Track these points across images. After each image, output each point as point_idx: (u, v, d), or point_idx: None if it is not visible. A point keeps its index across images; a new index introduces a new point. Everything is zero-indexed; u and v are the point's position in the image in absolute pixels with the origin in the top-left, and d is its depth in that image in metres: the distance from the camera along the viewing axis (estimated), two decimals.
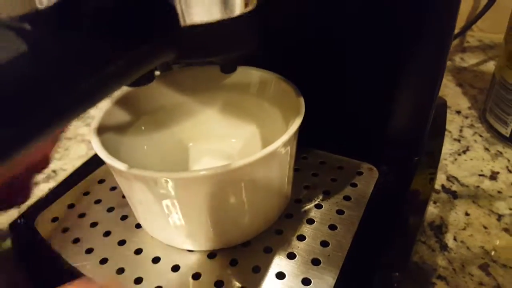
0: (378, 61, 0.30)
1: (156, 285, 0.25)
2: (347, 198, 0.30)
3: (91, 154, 0.48)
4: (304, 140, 0.29)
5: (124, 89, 0.30)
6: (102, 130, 0.27)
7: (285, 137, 0.24)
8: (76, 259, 0.28)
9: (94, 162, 0.36)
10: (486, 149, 0.45)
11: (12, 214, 0.40)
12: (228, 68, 0.30)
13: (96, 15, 0.18)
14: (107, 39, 0.17)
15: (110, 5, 0.18)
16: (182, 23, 0.19)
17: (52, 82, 0.15)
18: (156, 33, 0.19)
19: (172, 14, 0.19)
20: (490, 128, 0.47)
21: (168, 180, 0.23)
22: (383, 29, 0.29)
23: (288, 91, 0.29)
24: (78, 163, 0.47)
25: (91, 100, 0.17)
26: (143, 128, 0.32)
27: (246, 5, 0.21)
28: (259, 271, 0.26)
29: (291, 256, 0.27)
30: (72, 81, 0.16)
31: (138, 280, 0.26)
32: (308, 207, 0.30)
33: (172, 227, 0.26)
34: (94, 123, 0.27)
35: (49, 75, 0.15)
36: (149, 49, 0.20)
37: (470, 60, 0.62)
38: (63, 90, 0.15)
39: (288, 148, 0.26)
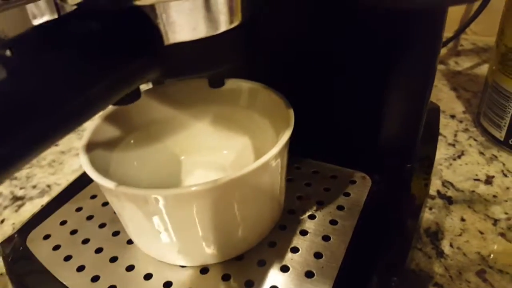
0: (367, 68, 0.30)
1: None
2: (340, 207, 0.30)
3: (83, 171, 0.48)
4: (296, 150, 0.29)
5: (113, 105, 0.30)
6: (91, 147, 0.27)
7: (275, 149, 0.24)
8: (67, 277, 0.27)
9: (87, 177, 0.36)
10: (481, 153, 0.45)
11: (6, 231, 0.40)
12: (216, 83, 0.29)
13: (80, 36, 0.18)
14: (91, 59, 0.17)
15: (94, 27, 0.18)
16: (165, 42, 0.19)
17: (36, 104, 0.15)
18: (141, 53, 0.19)
19: (155, 33, 0.19)
20: (485, 132, 0.46)
21: (158, 197, 0.22)
22: (371, 37, 0.29)
23: (278, 102, 0.29)
24: (72, 177, 0.47)
25: (77, 120, 0.17)
26: (133, 143, 0.31)
27: (231, 21, 0.21)
28: (252, 285, 0.25)
29: (284, 269, 0.26)
30: (56, 102, 0.16)
31: None
32: (302, 218, 0.30)
33: (163, 244, 0.26)
34: (83, 140, 0.27)
35: (32, 98, 0.15)
36: (134, 68, 0.20)
37: (464, 63, 0.62)
38: (47, 112, 0.15)
39: (279, 160, 0.26)
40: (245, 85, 0.32)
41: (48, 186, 0.46)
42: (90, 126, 0.28)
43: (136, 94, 0.22)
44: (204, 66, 0.22)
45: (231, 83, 0.32)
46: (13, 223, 0.41)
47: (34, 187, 0.46)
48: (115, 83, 0.19)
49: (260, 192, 0.26)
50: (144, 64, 0.20)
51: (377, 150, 0.33)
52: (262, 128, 0.32)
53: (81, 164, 0.25)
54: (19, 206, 0.44)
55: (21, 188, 0.46)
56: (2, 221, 0.42)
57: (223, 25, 0.21)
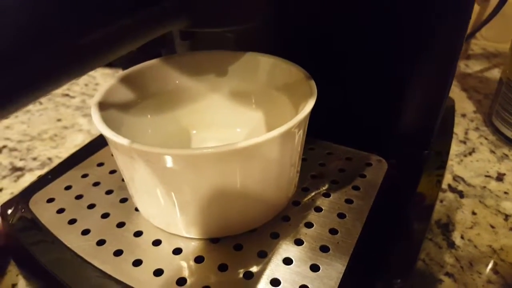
0: (393, 52, 0.30)
1: (156, 268, 0.24)
2: (355, 188, 0.29)
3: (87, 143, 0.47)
4: (312, 132, 0.28)
5: (129, 68, 0.29)
6: (103, 106, 0.26)
7: (300, 116, 0.23)
8: (71, 240, 0.26)
9: (91, 148, 0.35)
10: (492, 152, 0.44)
11: (4, 200, 0.39)
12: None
13: None
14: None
15: None
16: None
17: (67, 27, 0.14)
18: None
19: None
20: (496, 131, 0.46)
21: (174, 156, 0.21)
22: (398, 22, 0.28)
23: (298, 76, 0.28)
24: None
25: (103, 53, 0.16)
26: (146, 109, 0.30)
27: None
28: (265, 256, 0.25)
29: (298, 242, 0.25)
30: (85, 29, 0.15)
31: (137, 263, 0.25)
32: (316, 195, 0.29)
33: (174, 214, 0.25)
34: (96, 98, 0.26)
35: (64, 19, 0.14)
36: (161, 11, 0.19)
37: (474, 66, 0.62)
38: (77, 36, 0.14)
39: (301, 129, 0.25)
40: (264, 59, 0.31)
41: (49, 158, 0.45)
42: (103, 85, 0.27)
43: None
44: (230, 20, 0.22)
45: (250, 57, 0.31)
46: (12, 193, 0.40)
47: (34, 159, 0.45)
48: (142, 23, 0.18)
49: (279, 162, 0.25)
50: (172, 9, 0.19)
51: (395, 135, 0.32)
52: (279, 106, 0.31)
53: (93, 120, 0.24)
54: (18, 177, 0.42)
55: (21, 159, 0.45)
56: (0, 189, 0.40)
57: None
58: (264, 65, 0.31)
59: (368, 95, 0.32)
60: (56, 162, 0.44)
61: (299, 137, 0.25)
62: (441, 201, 0.38)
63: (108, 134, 0.22)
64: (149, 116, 0.31)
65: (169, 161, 0.21)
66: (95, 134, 0.48)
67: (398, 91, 0.31)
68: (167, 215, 0.25)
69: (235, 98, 0.33)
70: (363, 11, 0.29)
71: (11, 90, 0.14)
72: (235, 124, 0.34)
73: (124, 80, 0.29)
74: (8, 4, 0.13)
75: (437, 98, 0.31)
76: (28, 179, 0.42)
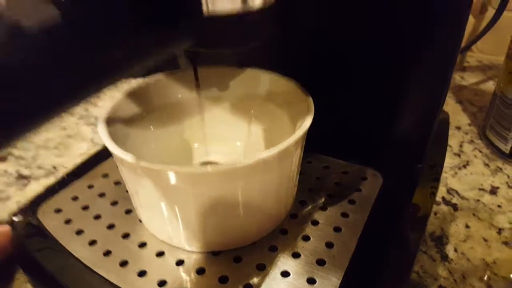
0: (385, 69, 0.31)
1: (160, 279, 0.25)
2: (351, 201, 0.31)
3: (92, 152, 0.48)
4: (309, 145, 0.29)
5: (134, 83, 0.31)
6: (110, 121, 0.27)
7: (298, 134, 0.24)
8: (79, 250, 0.27)
9: (96, 159, 0.36)
10: (486, 165, 0.45)
11: (11, 208, 0.40)
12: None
13: None
14: (136, 16, 0.18)
15: None
16: (204, 12, 0.20)
17: (84, 49, 0.15)
18: (180, 19, 0.20)
19: (196, 3, 0.20)
20: (490, 145, 0.47)
21: (178, 174, 0.22)
22: (391, 38, 0.29)
23: (297, 93, 0.29)
24: (78, 160, 0.47)
25: (115, 72, 0.18)
26: (150, 123, 0.32)
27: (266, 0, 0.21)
28: (264, 268, 0.26)
29: (296, 255, 0.26)
30: (99, 50, 0.16)
31: (142, 273, 0.26)
32: (313, 209, 0.30)
33: (175, 227, 0.26)
34: (103, 113, 0.27)
35: (81, 42, 0.15)
36: (172, 34, 0.20)
37: (470, 79, 0.63)
38: (93, 57, 0.16)
39: (299, 147, 0.26)
40: (264, 75, 0.32)
41: (54, 167, 0.46)
42: (109, 101, 0.29)
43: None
44: (235, 41, 0.23)
45: (251, 72, 0.32)
46: (18, 201, 0.41)
47: (39, 167, 0.46)
48: (153, 44, 0.19)
49: (278, 178, 0.26)
50: (181, 31, 0.20)
51: (389, 148, 0.34)
52: (278, 120, 0.32)
53: (101, 136, 0.25)
54: (25, 185, 0.43)
55: (26, 168, 0.46)
56: (7, 198, 0.41)
57: (259, 3, 0.22)
58: (264, 81, 0.32)
59: (363, 109, 0.33)
60: (61, 170, 0.46)
61: (297, 153, 0.27)
62: (435, 214, 0.39)
63: (116, 151, 0.23)
64: (153, 129, 0.32)
65: (173, 179, 0.23)
66: (98, 142, 0.49)
67: (393, 105, 0.32)
68: (170, 229, 0.26)
69: (236, 112, 0.34)
70: (359, 27, 0.30)
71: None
72: (236, 138, 0.35)
73: (130, 95, 0.30)
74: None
75: (431, 112, 0.32)
76: (34, 187, 0.43)
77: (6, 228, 0.31)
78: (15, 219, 0.30)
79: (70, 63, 0.15)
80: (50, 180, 0.44)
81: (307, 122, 0.26)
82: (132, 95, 0.30)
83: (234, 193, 0.24)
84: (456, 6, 0.26)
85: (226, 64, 0.32)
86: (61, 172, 0.45)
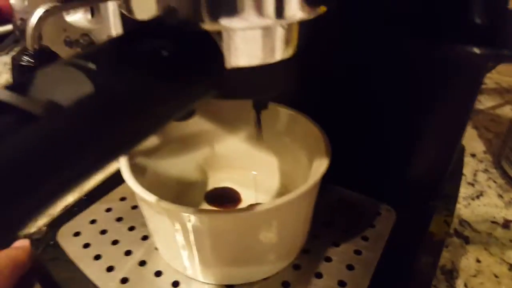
0: (404, 106, 0.31)
1: None
2: (364, 238, 0.31)
3: (109, 168, 0.49)
4: (324, 176, 0.29)
5: None
6: (131, 155, 0.28)
7: (315, 177, 0.25)
8: (97, 276, 0.28)
9: (114, 181, 0.37)
10: (500, 196, 0.45)
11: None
12: (260, 106, 0.30)
13: (151, 54, 0.19)
14: (161, 79, 0.18)
15: (164, 45, 0.19)
16: (227, 65, 0.20)
17: (116, 119, 0.16)
18: (204, 74, 0.20)
19: (218, 57, 0.20)
20: (505, 175, 0.47)
21: (198, 216, 0.23)
22: (411, 75, 0.29)
23: (315, 133, 0.30)
24: (96, 175, 0.48)
25: (145, 135, 0.18)
26: (168, 153, 0.32)
27: (286, 52, 0.22)
28: None
29: None
30: (132, 119, 0.17)
31: None
32: (326, 244, 0.30)
33: (190, 260, 0.27)
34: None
35: (113, 111, 0.16)
36: (196, 89, 0.21)
37: (486, 102, 0.63)
38: (123, 125, 0.16)
39: (313, 192, 0.27)
40: (284, 111, 0.32)
41: None
42: None
43: (191, 113, 0.23)
44: (258, 91, 0.23)
45: (271, 108, 0.32)
46: None
47: None
48: (179, 102, 0.20)
49: (295, 218, 0.27)
50: (205, 86, 0.21)
51: (404, 185, 0.34)
52: (294, 155, 0.32)
53: (121, 170, 0.26)
54: None
55: None
56: None
57: (280, 54, 0.22)
58: (282, 117, 0.32)
59: (381, 144, 0.34)
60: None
61: (313, 195, 0.27)
62: (447, 246, 0.39)
63: (139, 190, 0.24)
64: (170, 159, 0.32)
65: (192, 220, 0.23)
66: None
67: (410, 143, 0.32)
68: (185, 261, 0.27)
69: (252, 144, 0.35)
70: (379, 65, 0.30)
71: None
72: (251, 167, 0.35)
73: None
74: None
75: (447, 152, 0.32)
76: None
77: (26, 243, 0.32)
78: (35, 239, 0.31)
79: (109, 129, 0.15)
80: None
81: (324, 166, 0.26)
82: None
83: (251, 233, 0.25)
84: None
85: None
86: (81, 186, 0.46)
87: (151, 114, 0.18)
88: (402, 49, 0.28)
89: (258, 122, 0.29)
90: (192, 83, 0.20)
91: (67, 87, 0.15)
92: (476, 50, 0.21)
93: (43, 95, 0.15)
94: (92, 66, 0.17)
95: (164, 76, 0.19)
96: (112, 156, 0.16)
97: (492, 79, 0.69)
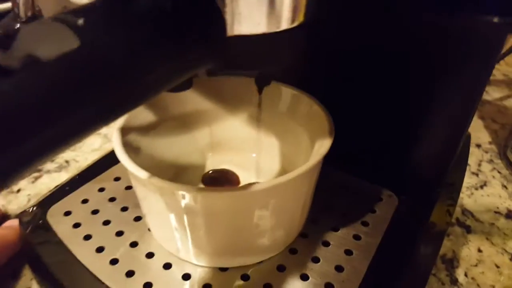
0: (411, 90, 0.30)
1: None
2: (365, 223, 0.30)
3: (105, 147, 0.48)
4: (326, 160, 0.28)
5: None
6: (125, 129, 0.27)
7: (316, 157, 0.24)
8: (86, 256, 0.27)
9: (109, 160, 0.36)
10: (504, 186, 0.44)
11: (21, 201, 0.40)
12: (263, 81, 0.29)
13: (148, 14, 0.18)
14: (157, 41, 0.17)
15: (163, 6, 0.18)
16: (228, 33, 0.19)
17: (101, 80, 0.15)
18: (203, 41, 0.19)
19: (220, 23, 0.19)
20: (509, 166, 0.46)
21: (192, 194, 0.22)
22: (420, 57, 0.28)
23: (318, 113, 0.29)
24: (91, 156, 0.47)
25: (134, 102, 0.17)
26: (165, 132, 0.31)
27: (292, 21, 0.21)
28: None
29: (304, 277, 0.26)
30: (119, 81, 0.15)
31: (148, 286, 0.25)
32: (325, 228, 0.29)
33: (183, 241, 0.26)
34: (118, 123, 0.27)
35: (98, 73, 0.15)
36: (194, 56, 0.19)
37: (494, 93, 0.61)
38: (110, 89, 0.15)
39: (314, 173, 0.26)
40: (287, 90, 0.31)
41: (67, 161, 0.46)
42: None
43: (188, 83, 0.22)
44: (260, 63, 0.22)
45: (273, 86, 0.31)
46: (29, 194, 0.41)
47: (52, 161, 0.46)
48: (176, 69, 0.19)
49: (293, 200, 0.26)
50: (205, 53, 0.20)
51: (408, 170, 0.33)
52: (296, 136, 0.31)
53: (113, 145, 0.25)
54: (36, 178, 0.44)
55: None
56: (18, 190, 0.42)
57: (285, 23, 0.21)
58: (285, 96, 0.31)
59: (386, 129, 0.32)
60: (73, 165, 0.46)
61: (314, 176, 0.26)
62: (448, 235, 0.38)
63: (130, 167, 0.23)
64: (168, 137, 0.31)
65: (185, 198, 0.22)
66: (111, 139, 0.49)
67: (416, 126, 0.31)
68: (178, 242, 0.26)
69: (252, 124, 0.34)
70: (387, 45, 0.29)
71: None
72: (251, 149, 0.34)
73: (147, 103, 0.30)
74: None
75: (454, 138, 0.31)
76: (45, 181, 0.43)
77: (16, 223, 0.31)
78: (25, 219, 0.30)
79: (93, 89, 0.14)
80: (62, 174, 0.44)
81: (326, 146, 0.25)
82: (149, 103, 0.30)
83: (247, 214, 0.24)
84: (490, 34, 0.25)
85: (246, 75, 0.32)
86: (73, 167, 0.45)
87: (142, 76, 0.16)
88: (418, 22, 0.26)
89: (259, 100, 0.28)
90: (189, 49, 0.19)
91: (52, 43, 0.14)
92: (495, 19, 0.20)
93: (25, 50, 0.14)
94: (81, 22, 0.16)
95: (159, 37, 0.18)
96: (95, 119, 0.15)
97: (500, 70, 0.67)
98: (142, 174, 0.22)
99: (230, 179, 0.34)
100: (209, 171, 0.34)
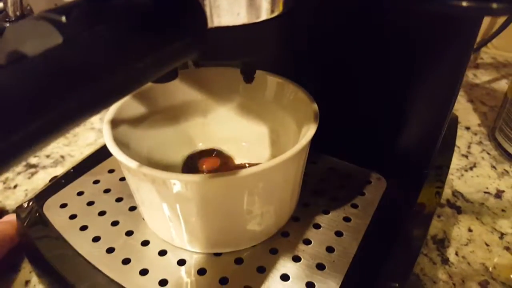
0: (395, 73, 0.30)
1: (161, 278, 0.26)
2: (354, 206, 0.31)
3: (99, 142, 0.49)
4: (315, 145, 0.29)
5: None
6: (115, 122, 0.27)
7: (303, 142, 0.24)
8: (83, 246, 0.28)
9: (103, 153, 0.36)
10: (493, 167, 0.45)
11: (18, 196, 0.41)
12: (248, 71, 0.29)
13: (131, 10, 0.18)
14: (139, 35, 0.18)
15: (144, 2, 0.19)
16: (209, 24, 0.20)
17: (84, 73, 0.15)
18: (185, 33, 0.19)
19: (200, 15, 0.19)
20: (498, 147, 0.47)
21: (181, 182, 0.23)
22: (401, 41, 0.29)
23: (304, 100, 0.29)
24: (86, 150, 0.47)
25: (117, 94, 0.18)
26: (155, 123, 0.32)
27: (272, 11, 0.21)
28: (264, 271, 0.26)
29: (296, 259, 0.27)
30: (102, 74, 0.16)
31: (144, 272, 0.26)
32: (316, 211, 0.30)
33: (177, 229, 0.26)
34: (108, 115, 0.27)
35: (81, 66, 0.15)
36: (177, 48, 0.20)
37: (482, 77, 0.62)
38: (93, 82, 0.16)
39: (301, 157, 0.26)
40: (272, 78, 0.32)
41: (62, 156, 0.47)
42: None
43: (174, 74, 0.23)
44: (241, 52, 0.23)
45: (259, 75, 0.32)
46: (26, 189, 0.42)
47: (47, 156, 0.47)
48: (159, 60, 0.19)
49: (283, 185, 0.26)
50: (187, 44, 0.20)
51: (395, 153, 0.33)
52: (284, 124, 0.32)
53: (104, 138, 0.26)
54: (32, 174, 0.44)
55: (35, 157, 0.46)
56: (15, 186, 0.42)
57: (265, 14, 0.21)
58: (271, 84, 0.32)
59: (371, 113, 0.33)
60: (68, 160, 0.46)
61: (301, 160, 0.27)
62: (439, 216, 0.39)
63: (120, 157, 0.24)
64: (157, 129, 0.32)
65: (176, 186, 0.23)
66: None
67: (400, 110, 0.32)
68: (172, 230, 0.27)
69: (241, 113, 0.34)
70: (368, 31, 0.30)
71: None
72: (241, 138, 0.35)
73: (135, 95, 0.30)
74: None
75: (439, 119, 0.32)
76: (41, 176, 0.44)
77: (13, 217, 0.32)
78: (21, 212, 0.31)
79: (77, 82, 0.15)
80: (58, 170, 0.45)
81: (311, 130, 0.26)
82: (138, 95, 0.30)
83: (237, 198, 0.24)
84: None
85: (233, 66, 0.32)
86: (69, 162, 0.46)
87: (125, 68, 0.17)
88: (394, 9, 0.27)
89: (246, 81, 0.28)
90: (170, 41, 0.19)
91: (36, 40, 0.15)
92: (464, 3, 0.20)
93: (11, 46, 0.15)
94: (64, 19, 0.16)
95: (140, 31, 0.18)
96: (80, 111, 0.16)
97: (488, 53, 0.68)
98: (133, 164, 0.23)
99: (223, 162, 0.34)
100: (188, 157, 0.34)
